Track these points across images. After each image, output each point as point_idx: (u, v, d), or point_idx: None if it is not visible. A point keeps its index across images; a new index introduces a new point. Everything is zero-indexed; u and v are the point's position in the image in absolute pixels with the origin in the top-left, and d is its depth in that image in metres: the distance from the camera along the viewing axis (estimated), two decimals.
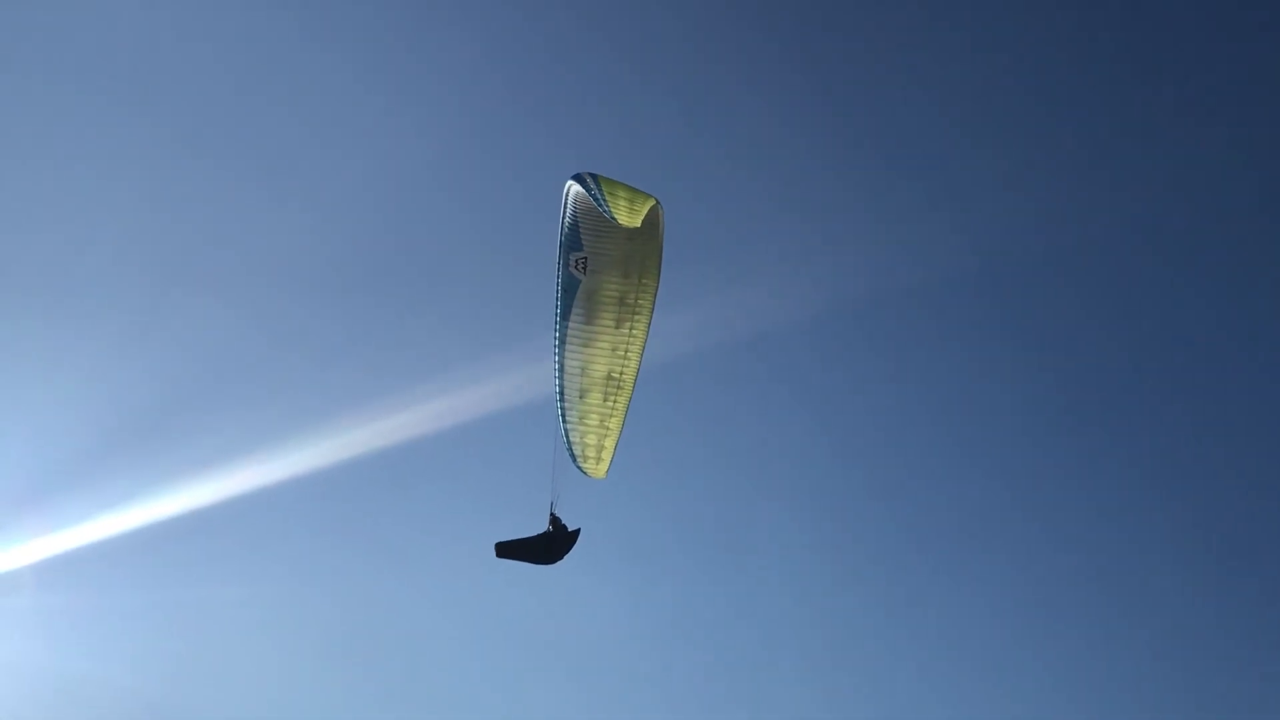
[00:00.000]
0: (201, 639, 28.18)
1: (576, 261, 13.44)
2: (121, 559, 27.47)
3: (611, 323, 14.09)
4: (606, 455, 15.05)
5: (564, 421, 15.01)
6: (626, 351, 14.30)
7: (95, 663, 27.16)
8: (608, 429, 14.90)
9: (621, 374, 14.52)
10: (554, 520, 14.91)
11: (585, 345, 14.37)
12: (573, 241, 13.21)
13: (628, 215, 11.42)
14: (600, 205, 11.53)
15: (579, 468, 15.24)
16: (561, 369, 14.62)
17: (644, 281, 13.54)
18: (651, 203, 11.69)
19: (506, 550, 14.92)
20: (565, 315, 14.15)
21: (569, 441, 15.11)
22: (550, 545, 14.92)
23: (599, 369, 14.55)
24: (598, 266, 13.44)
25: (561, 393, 14.78)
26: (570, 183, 12.47)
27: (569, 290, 13.86)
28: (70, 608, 27.43)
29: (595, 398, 14.76)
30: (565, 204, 12.87)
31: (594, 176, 11.84)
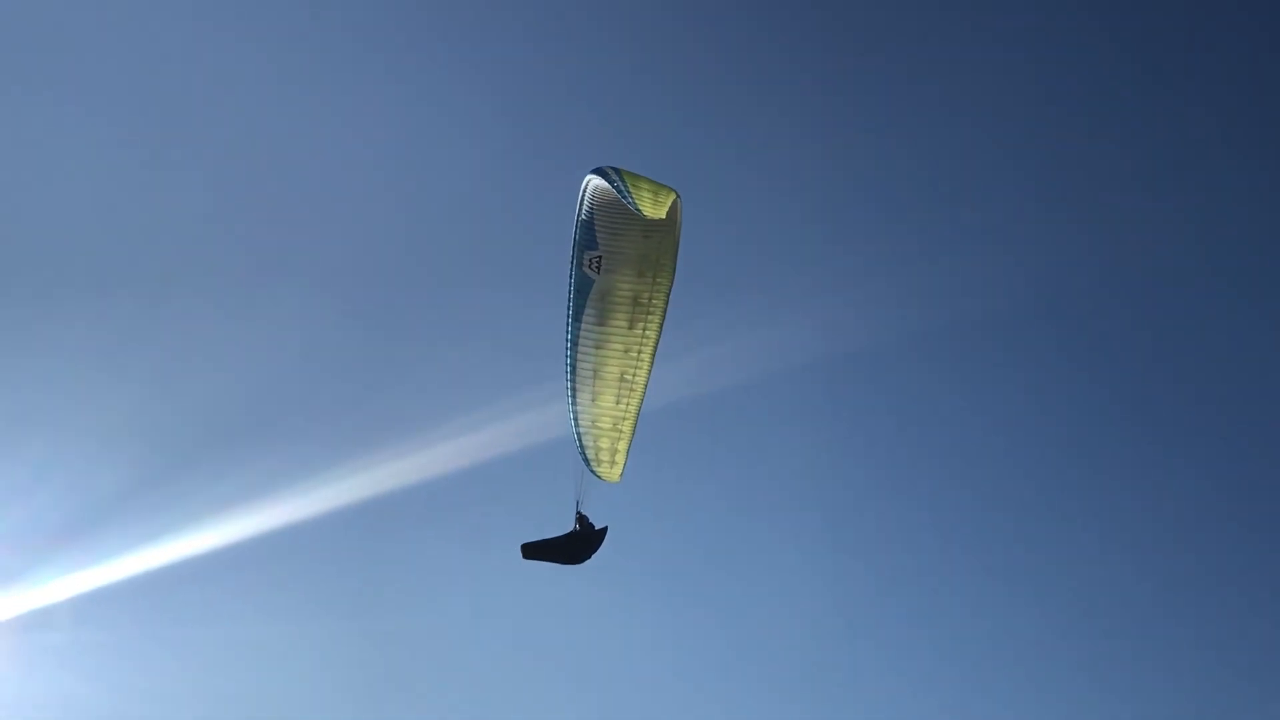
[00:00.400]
0: (238, 675, 27.99)
1: (591, 260, 13.22)
2: (158, 594, 27.41)
3: (624, 323, 13.86)
4: (620, 459, 14.81)
5: (576, 425, 14.76)
6: (639, 353, 14.08)
7: (131, 698, 26.98)
8: (620, 432, 14.66)
9: (634, 376, 14.28)
10: (580, 519, 14.68)
11: (598, 347, 14.14)
12: (588, 239, 13.00)
13: (652, 207, 11.23)
14: (624, 197, 11.33)
15: (593, 472, 14.99)
16: (573, 370, 14.38)
17: (658, 280, 13.33)
18: (674, 196, 11.49)
19: (533, 551, 14.65)
20: (577, 316, 13.92)
21: (581, 445, 14.86)
22: (577, 545, 14.67)
23: (611, 371, 14.32)
24: (612, 265, 13.22)
25: (573, 395, 14.54)
26: (589, 177, 12.26)
27: (582, 290, 13.63)
28: (106, 643, 27.29)
29: (608, 400, 14.52)
30: (582, 200, 12.67)
31: (616, 169, 11.65)
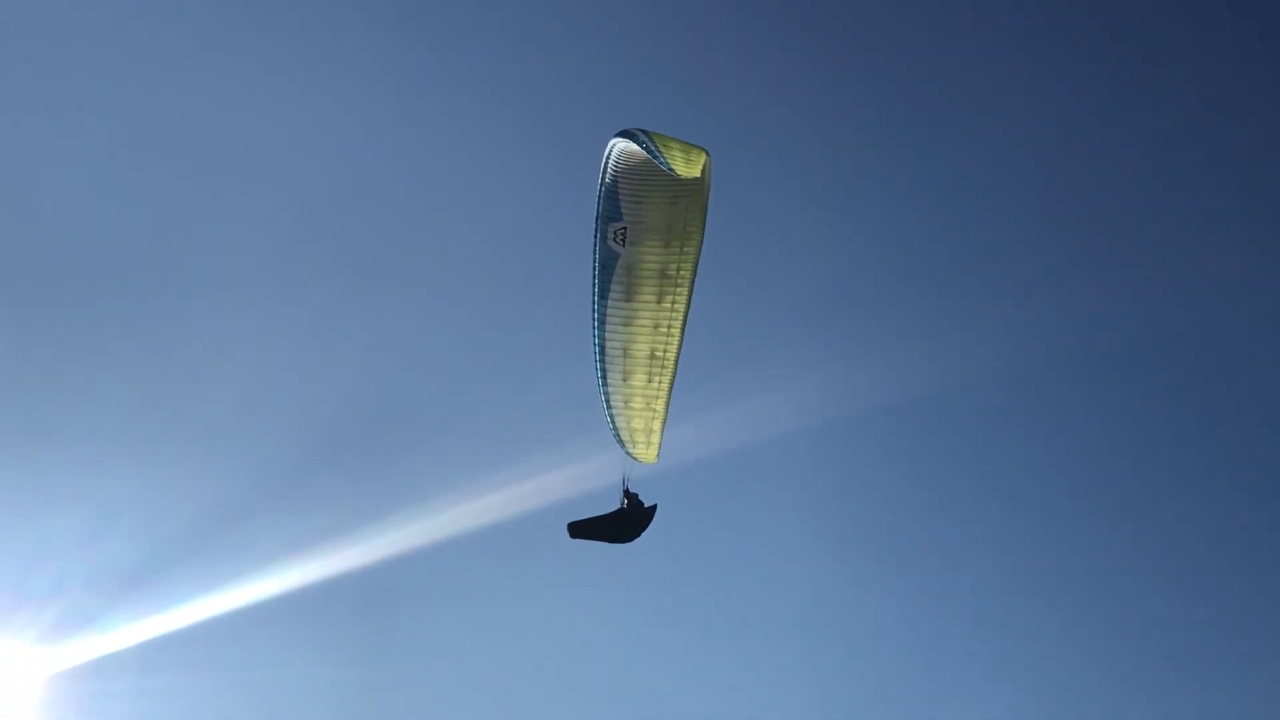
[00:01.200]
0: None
1: (615, 233, 12.87)
2: (222, 640, 27.38)
3: (653, 298, 13.49)
4: (655, 439, 14.41)
5: (608, 407, 14.38)
6: (669, 328, 13.69)
7: None
8: (654, 411, 14.27)
9: (665, 352, 13.90)
10: (628, 496, 14.32)
11: (626, 324, 13.77)
12: (611, 210, 12.64)
13: (684, 165, 10.86)
14: (656, 157, 10.96)
15: (628, 454, 14.61)
16: (602, 350, 14.02)
17: (685, 250, 12.95)
18: (706, 155, 11.14)
19: (580, 530, 14.25)
20: (604, 293, 13.56)
21: (615, 427, 14.48)
22: (625, 523, 14.28)
23: (641, 348, 13.94)
24: (637, 237, 12.86)
25: (603, 376, 14.17)
26: (614, 141, 11.90)
27: (607, 265, 13.27)
28: (172, 688, 27.22)
29: (639, 379, 14.14)
30: (605, 167, 12.31)
31: (644, 130, 11.30)
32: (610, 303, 13.61)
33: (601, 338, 13.91)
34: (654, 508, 14.35)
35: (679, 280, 13.27)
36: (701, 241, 12.88)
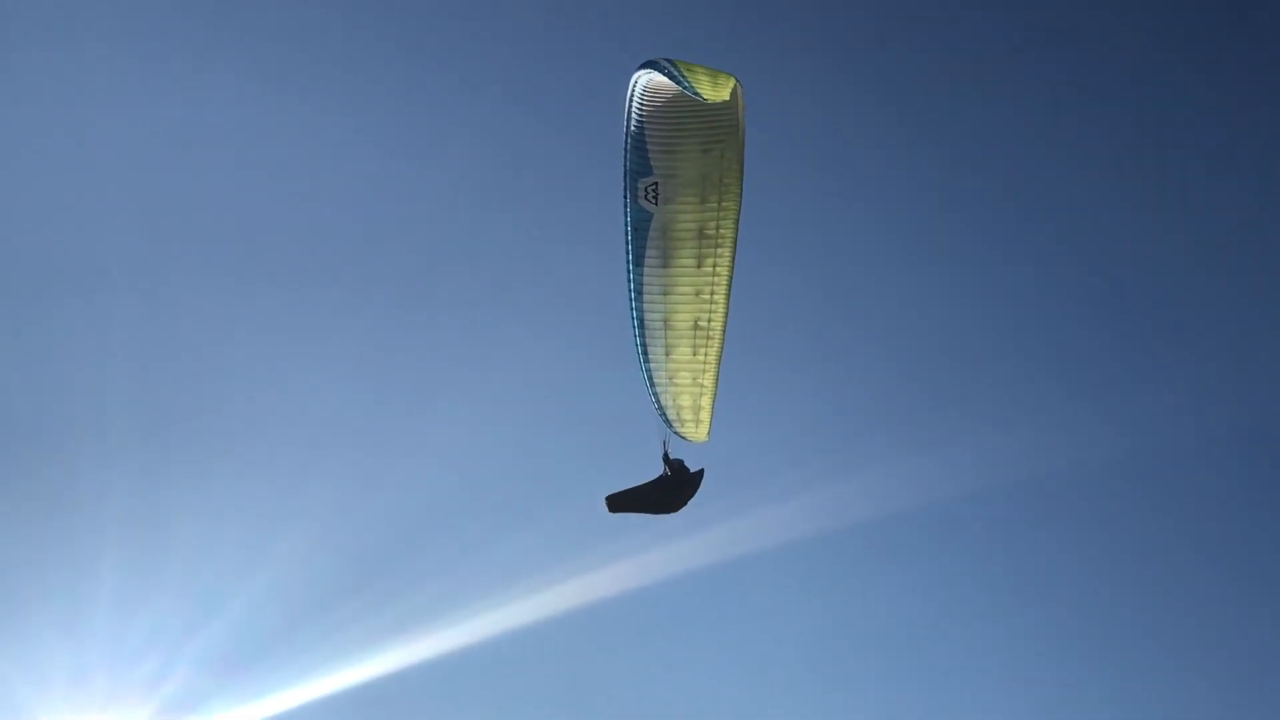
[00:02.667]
0: None
1: (646, 190, 11.74)
2: None
3: (692, 262, 12.34)
4: (705, 415, 13.26)
5: (652, 385, 13.26)
6: (712, 294, 12.53)
7: None
8: (703, 386, 13.12)
9: (710, 321, 12.74)
10: (670, 463, 13.15)
11: (666, 293, 12.63)
12: (640, 163, 11.52)
13: (711, 89, 9.73)
14: (680, 83, 9.83)
15: (676, 433, 13.48)
16: (641, 324, 12.89)
17: (725, 204, 11.78)
18: (734, 80, 9.98)
19: (619, 503, 13.07)
20: (639, 260, 12.44)
21: (661, 406, 13.36)
22: (669, 492, 13.08)
23: (683, 318, 12.80)
24: (671, 193, 11.72)
25: (644, 351, 13.05)
26: (637, 75, 10.76)
27: (640, 229, 12.15)
28: None
29: (684, 352, 12.99)
30: (629, 110, 11.18)
31: (669, 59, 10.17)
32: (646, 270, 12.49)
33: (640, 309, 12.80)
34: (700, 474, 13.17)
35: (720, 240, 12.10)
36: (740, 194, 11.70)
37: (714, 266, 12.35)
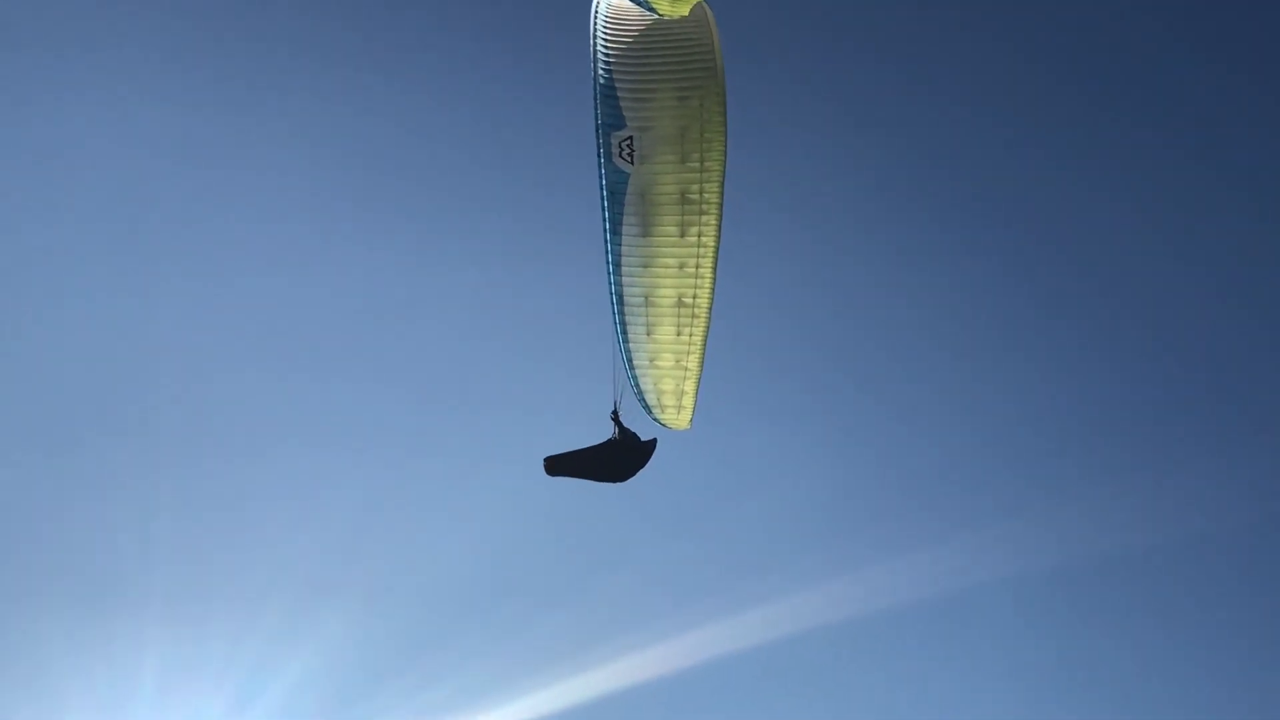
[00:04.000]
0: None
1: (621, 146, 10.57)
2: None
3: (675, 230, 11.15)
4: (689, 401, 12.04)
5: (631, 367, 12.07)
6: (698, 267, 11.33)
7: None
8: (686, 369, 11.90)
9: (694, 297, 11.54)
10: (619, 427, 11.91)
11: (647, 265, 11.45)
12: (612, 113, 10.35)
13: (669, 5, 8.59)
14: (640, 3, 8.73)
15: (656, 420, 12.28)
16: (620, 300, 11.72)
17: (708, 163, 10.59)
18: None
19: (560, 466, 11.72)
20: (616, 228, 11.27)
21: (639, 390, 12.16)
22: (618, 457, 11.78)
23: (666, 295, 11.60)
24: (648, 149, 10.55)
25: (623, 330, 11.87)
26: (596, 3, 9.66)
27: (616, 192, 10.99)
28: None
29: (666, 332, 11.79)
30: (594, 46, 10.03)
31: None
32: (625, 239, 11.32)
33: (618, 284, 11.62)
34: (653, 443, 11.91)
35: (704, 206, 10.91)
36: (725, 151, 10.51)
37: (699, 236, 11.15)
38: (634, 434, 11.84)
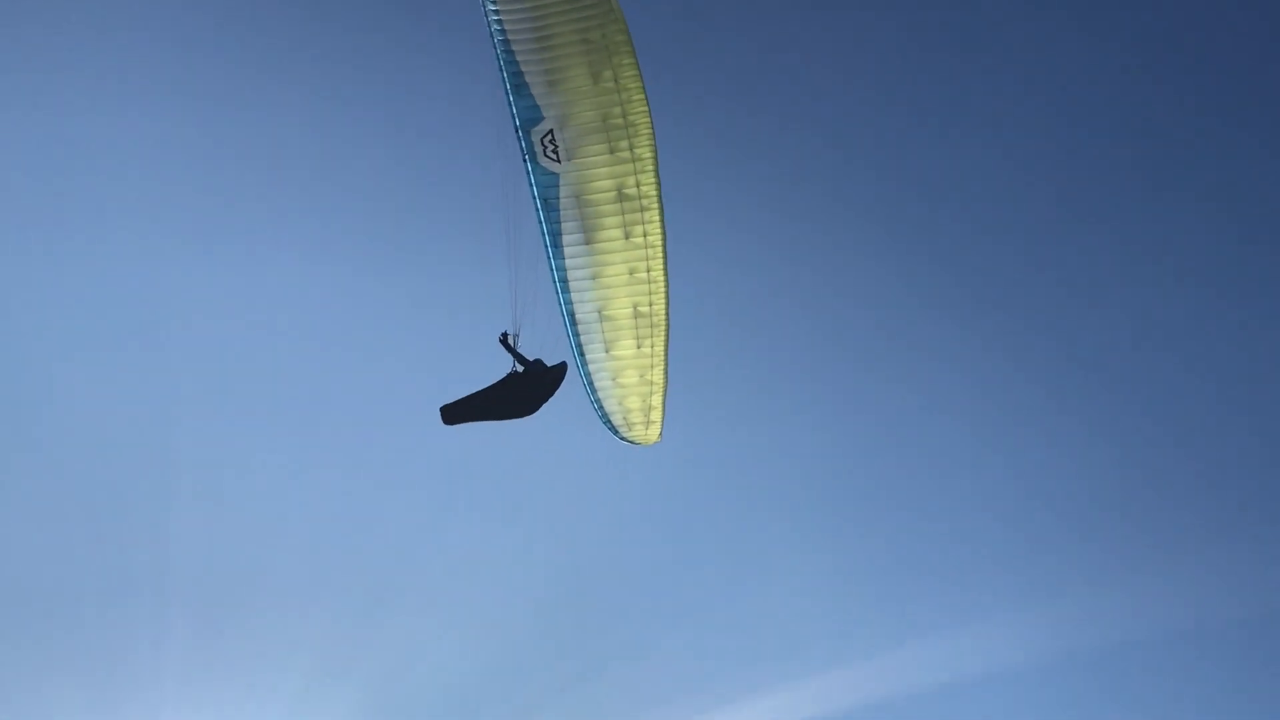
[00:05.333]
0: None
1: (543, 143, 9.89)
2: None
3: (619, 233, 10.36)
4: (656, 415, 11.05)
5: (592, 390, 11.14)
6: (649, 269, 10.50)
7: None
8: (652, 383, 10.95)
9: (651, 305, 10.68)
10: (520, 358, 10.68)
11: (595, 277, 10.63)
12: (527, 106, 9.67)
13: None
14: None
15: (624, 438, 11.26)
16: (571, 318, 10.87)
17: (638, 152, 9.84)
18: None
19: (456, 413, 10.58)
20: (556, 241, 10.50)
21: (604, 411, 11.19)
22: (521, 390, 10.53)
23: (621, 306, 10.75)
24: (573, 142, 9.84)
25: (579, 351, 10.98)
26: None
27: (549, 200, 10.26)
28: None
29: (626, 346, 10.89)
30: (490, 26, 9.38)
31: None
32: (568, 251, 10.54)
33: (568, 302, 10.80)
34: (561, 368, 10.60)
35: (644, 201, 10.14)
36: (653, 133, 9.78)
37: (645, 235, 10.36)
38: (538, 361, 10.67)
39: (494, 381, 10.50)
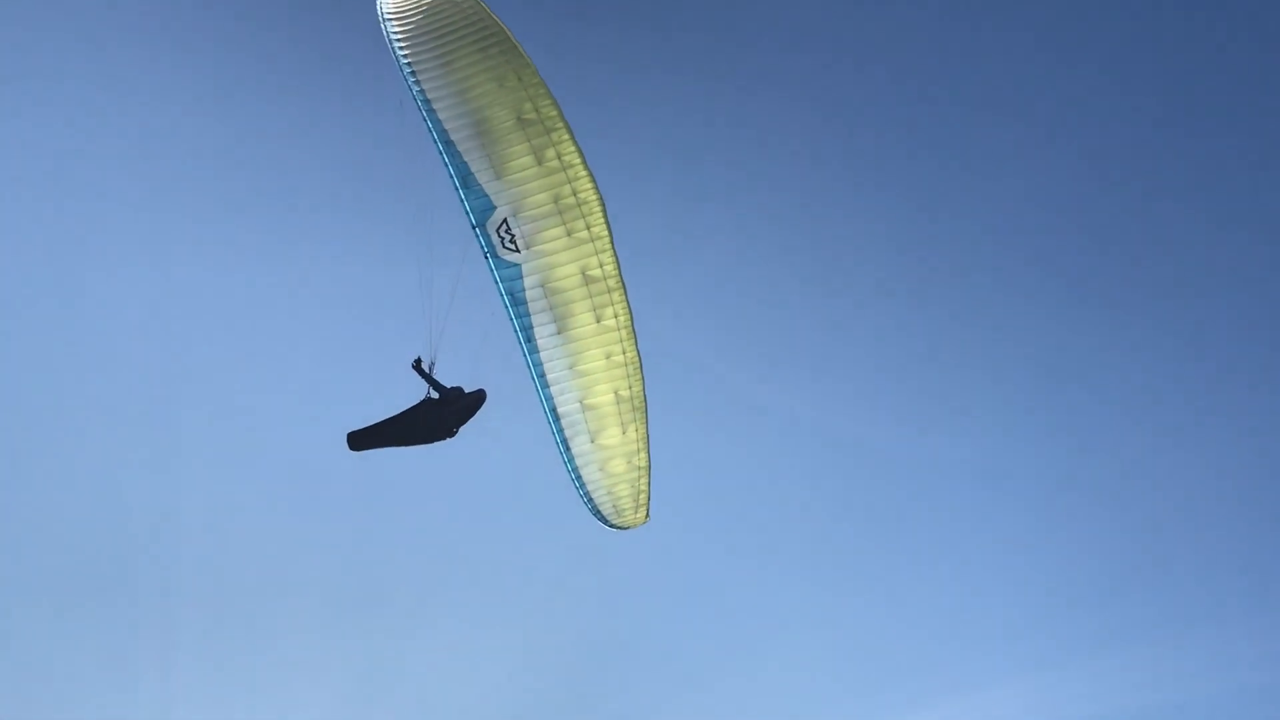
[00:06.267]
0: None
1: (499, 232, 9.98)
2: None
3: (590, 318, 10.27)
4: (644, 498, 10.62)
5: (581, 483, 10.75)
6: (624, 351, 10.33)
7: None
8: (640, 468, 10.57)
9: (631, 387, 10.45)
10: (435, 385, 10.19)
11: (572, 366, 10.47)
12: (478, 199, 9.79)
13: None
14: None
15: (613, 526, 10.76)
16: (555, 415, 10.63)
17: (594, 229, 9.86)
18: None
19: (362, 440, 10.27)
20: (529, 336, 10.41)
21: (594, 504, 10.76)
22: (432, 416, 10.18)
23: (603, 394, 10.52)
24: (530, 229, 9.89)
25: (565, 445, 10.68)
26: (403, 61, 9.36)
27: (515, 291, 10.24)
28: None
29: (612, 435, 10.58)
30: (434, 135, 9.58)
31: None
32: (542, 345, 10.43)
33: (549, 398, 10.61)
34: (480, 395, 10.24)
35: (608, 278, 10.10)
36: (604, 211, 9.82)
37: (615, 316, 10.26)
38: (457, 388, 10.30)
39: (409, 407, 10.25)
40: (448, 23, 8.99)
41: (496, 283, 10.27)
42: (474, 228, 9.99)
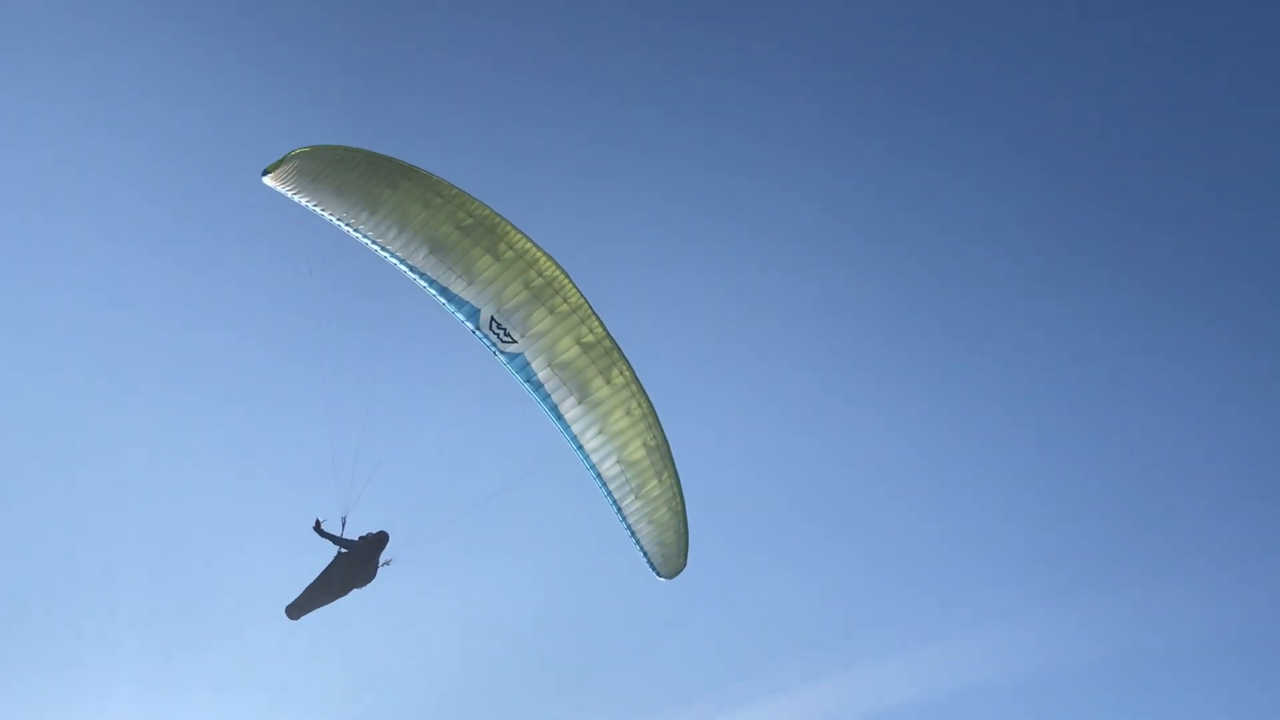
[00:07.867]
0: None
1: (494, 330, 10.80)
2: None
3: (601, 380, 10.86)
4: (685, 540, 10.83)
5: (637, 539, 11.09)
6: (638, 401, 10.79)
7: None
8: (678, 513, 10.83)
9: (654, 436, 10.83)
10: (339, 541, 10.81)
11: (601, 430, 11.02)
12: (463, 306, 10.74)
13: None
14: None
15: (662, 574, 10.95)
16: (601, 479, 11.13)
17: (572, 302, 10.53)
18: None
19: (298, 608, 11.24)
20: (557, 414, 11.10)
21: (650, 558, 11.04)
22: (349, 568, 11.05)
23: (635, 449, 10.97)
24: (515, 319, 10.69)
25: (618, 505, 11.10)
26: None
27: (529, 378, 11.01)
28: None
29: (652, 486, 10.95)
30: (402, 266, 10.69)
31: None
32: (570, 418, 11.10)
33: (593, 465, 11.17)
34: (380, 536, 11.01)
35: (601, 342, 10.68)
36: (570, 281, 10.46)
37: (621, 374, 10.77)
38: (357, 539, 11.16)
39: (325, 567, 11.25)
40: (351, 178, 10.20)
41: (514, 375, 11.08)
42: (474, 332, 10.92)
